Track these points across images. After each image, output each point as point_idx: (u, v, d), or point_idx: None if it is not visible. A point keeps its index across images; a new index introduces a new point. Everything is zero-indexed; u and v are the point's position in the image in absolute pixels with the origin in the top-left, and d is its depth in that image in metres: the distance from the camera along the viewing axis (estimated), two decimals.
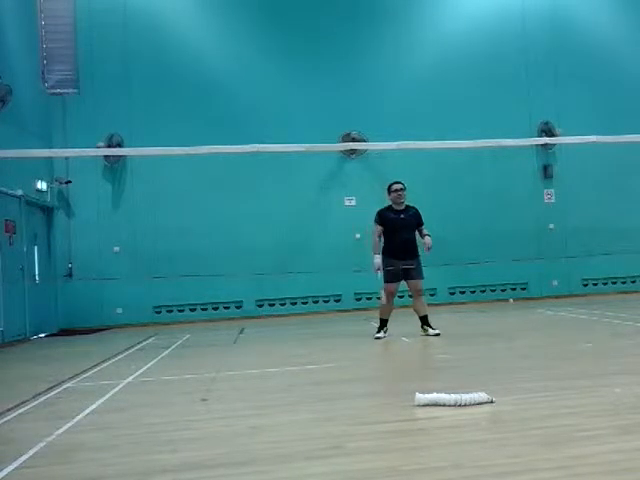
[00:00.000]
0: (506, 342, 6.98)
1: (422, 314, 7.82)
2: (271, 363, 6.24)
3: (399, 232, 7.68)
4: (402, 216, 7.75)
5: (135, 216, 12.34)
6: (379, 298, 7.90)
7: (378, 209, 7.90)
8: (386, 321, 7.87)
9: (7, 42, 10.62)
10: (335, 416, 3.83)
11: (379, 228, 7.74)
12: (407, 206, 7.86)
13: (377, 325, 7.94)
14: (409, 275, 7.70)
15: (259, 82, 12.85)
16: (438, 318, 8.57)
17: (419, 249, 7.83)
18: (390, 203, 7.87)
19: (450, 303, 12.78)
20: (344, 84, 12.94)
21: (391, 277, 7.70)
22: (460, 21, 13.49)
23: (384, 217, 7.77)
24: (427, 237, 7.71)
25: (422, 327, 7.79)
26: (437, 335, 7.58)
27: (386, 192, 7.93)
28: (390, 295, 7.80)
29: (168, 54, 12.57)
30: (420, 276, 7.74)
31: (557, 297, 13.05)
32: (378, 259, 7.59)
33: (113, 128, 12.20)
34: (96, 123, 12.16)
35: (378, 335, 7.75)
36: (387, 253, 7.69)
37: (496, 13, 13.61)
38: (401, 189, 7.79)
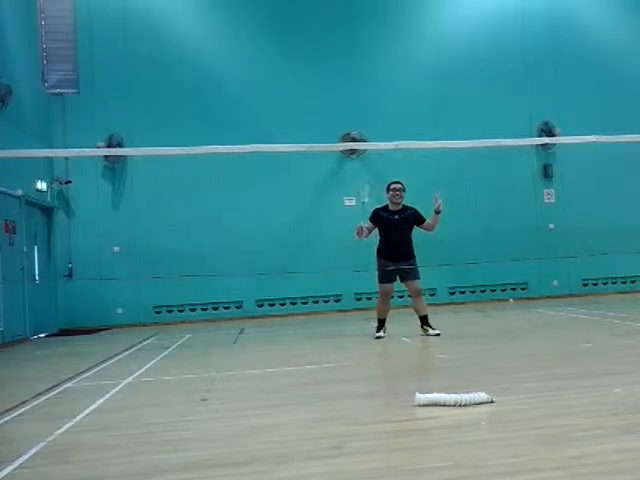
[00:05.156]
0: (506, 342, 6.98)
1: (422, 314, 7.79)
2: (271, 363, 6.24)
3: (392, 233, 7.64)
4: (396, 217, 7.69)
5: (135, 216, 12.34)
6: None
7: (375, 207, 7.89)
8: (384, 321, 7.85)
9: (7, 42, 10.61)
10: (335, 416, 3.83)
11: (369, 224, 7.72)
12: (404, 207, 7.78)
13: (377, 325, 7.92)
14: (406, 277, 7.67)
15: (259, 82, 12.85)
16: (438, 318, 8.57)
17: (414, 250, 7.77)
18: (388, 202, 7.82)
19: (450, 303, 12.77)
20: (344, 84, 12.95)
21: (386, 278, 7.66)
22: (460, 21, 13.50)
23: (378, 216, 7.75)
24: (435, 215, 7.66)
25: (422, 327, 7.77)
26: (437, 335, 7.57)
27: (385, 191, 7.89)
28: (386, 295, 7.77)
29: (168, 54, 12.58)
30: (417, 277, 7.69)
31: (557, 297, 13.04)
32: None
33: (113, 128, 12.20)
34: (96, 123, 12.16)
35: (378, 334, 7.73)
36: (381, 254, 7.68)
37: (496, 13, 13.61)
38: (399, 189, 7.73)
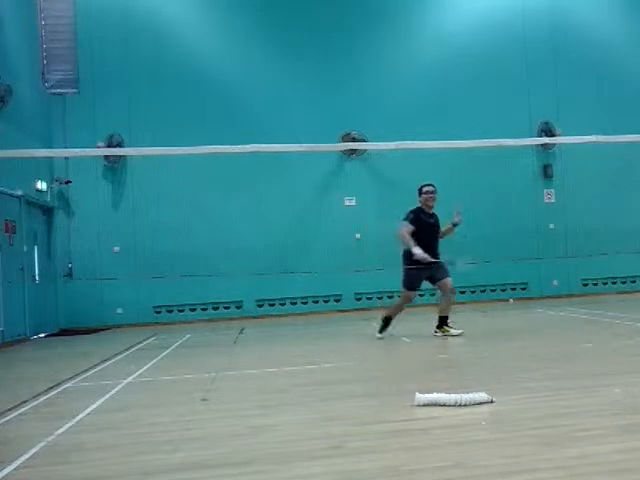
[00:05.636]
0: (506, 342, 6.98)
1: (445, 314, 7.56)
2: (271, 363, 6.24)
3: (430, 237, 7.41)
4: (432, 220, 7.53)
5: (135, 216, 12.35)
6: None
7: (410, 209, 7.56)
8: (390, 321, 7.74)
9: (7, 42, 10.61)
10: (335, 416, 3.83)
11: (411, 227, 7.33)
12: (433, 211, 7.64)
13: (377, 325, 7.88)
14: (439, 276, 7.44)
15: (259, 82, 12.85)
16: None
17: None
18: (420, 205, 7.56)
19: None
20: (344, 84, 12.95)
21: (415, 284, 7.49)
22: (460, 21, 13.50)
23: (420, 219, 7.42)
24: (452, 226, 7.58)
25: (440, 327, 7.53)
26: (460, 334, 7.39)
27: (417, 194, 7.64)
28: (408, 300, 7.63)
29: (168, 54, 12.58)
30: (450, 274, 7.48)
31: (557, 297, 13.04)
32: (418, 249, 7.14)
33: (113, 128, 12.21)
34: (96, 123, 12.17)
35: (379, 335, 7.70)
36: (413, 258, 7.26)
37: (496, 13, 13.61)
38: (433, 191, 7.52)
